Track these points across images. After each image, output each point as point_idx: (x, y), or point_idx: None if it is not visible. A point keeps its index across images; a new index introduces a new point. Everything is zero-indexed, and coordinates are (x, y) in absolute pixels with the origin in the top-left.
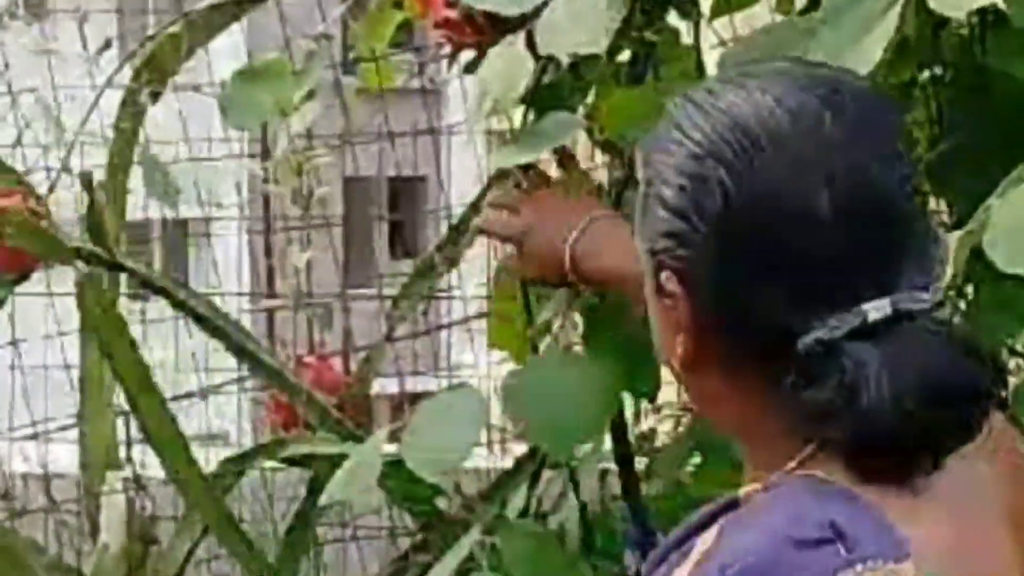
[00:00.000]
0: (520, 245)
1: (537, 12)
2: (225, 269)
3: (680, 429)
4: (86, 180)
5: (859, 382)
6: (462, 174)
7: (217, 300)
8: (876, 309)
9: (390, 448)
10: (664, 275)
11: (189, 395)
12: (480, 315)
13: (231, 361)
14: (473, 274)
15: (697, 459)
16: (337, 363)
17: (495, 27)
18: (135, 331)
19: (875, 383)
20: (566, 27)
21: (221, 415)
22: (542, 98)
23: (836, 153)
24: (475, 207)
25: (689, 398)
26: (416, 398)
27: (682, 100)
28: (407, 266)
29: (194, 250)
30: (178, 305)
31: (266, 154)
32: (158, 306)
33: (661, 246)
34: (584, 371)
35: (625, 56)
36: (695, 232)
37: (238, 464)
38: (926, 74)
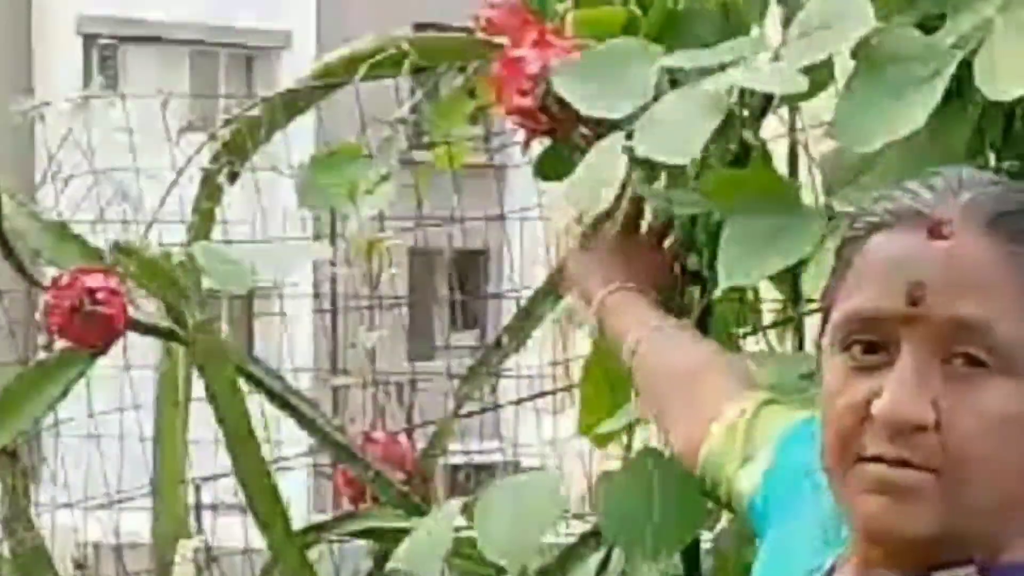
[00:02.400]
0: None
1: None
2: (291, 346)
3: None
4: (165, 259)
5: None
6: (526, 249)
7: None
8: None
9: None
10: None
11: None
12: (546, 392)
13: (299, 434)
14: (537, 350)
15: None
16: (404, 439)
17: (569, 119)
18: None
19: None
20: (663, 133)
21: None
22: None
23: None
24: (544, 291)
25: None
26: (479, 470)
27: None
28: (468, 337)
29: (260, 325)
30: (250, 379)
31: (334, 235)
32: None
33: None
34: (673, 477)
35: None
36: None
37: (309, 536)
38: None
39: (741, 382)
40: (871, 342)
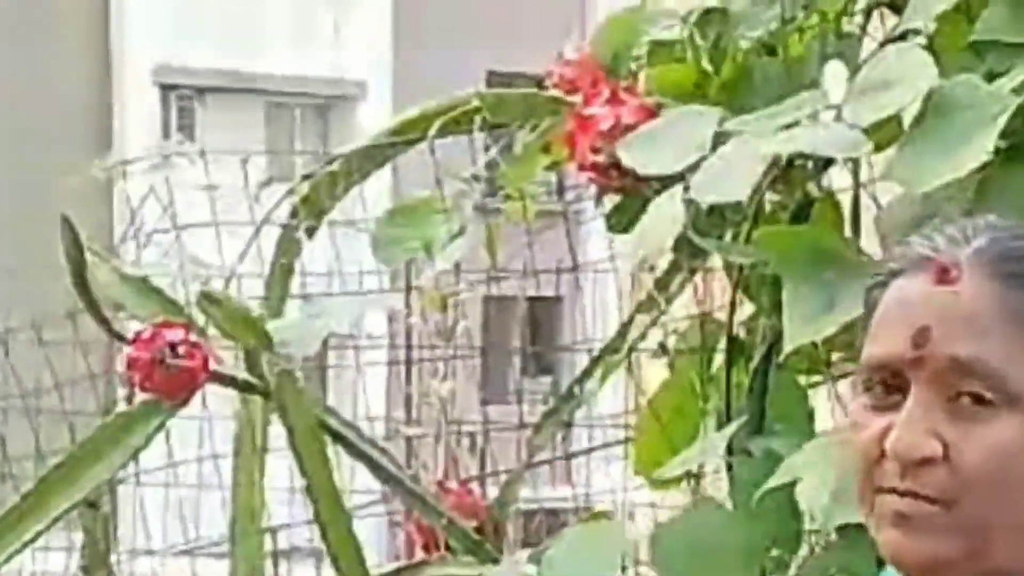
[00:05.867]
0: None
1: (693, 167)
2: (365, 396)
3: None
4: (243, 315)
5: None
6: (599, 299)
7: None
8: None
9: (527, 570)
10: None
11: None
12: (619, 442)
13: (371, 482)
14: (609, 398)
15: None
16: (477, 488)
17: (640, 175)
18: (286, 452)
19: None
20: (718, 179)
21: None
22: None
23: None
24: (617, 339)
25: None
26: (551, 515)
27: None
28: (543, 384)
29: (334, 375)
30: (326, 430)
31: (409, 288)
32: None
33: None
34: (733, 528)
35: None
36: None
37: None
38: None
39: None
40: (890, 384)
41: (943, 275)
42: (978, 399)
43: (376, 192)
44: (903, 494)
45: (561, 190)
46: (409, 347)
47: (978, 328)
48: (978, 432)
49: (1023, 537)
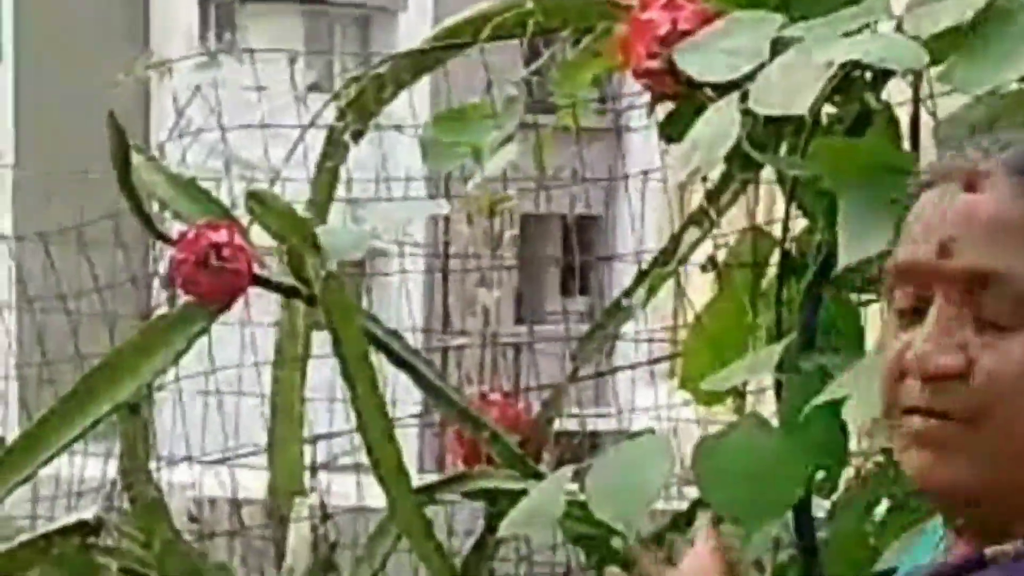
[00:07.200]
0: None
1: (750, 76)
2: (399, 305)
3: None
4: (291, 215)
5: None
6: (643, 216)
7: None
8: None
9: (569, 487)
10: None
11: None
12: (664, 358)
13: (408, 394)
14: (653, 315)
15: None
16: (520, 401)
17: (695, 82)
18: (327, 363)
19: None
20: (777, 89)
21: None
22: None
23: None
24: (666, 251)
25: None
26: (593, 435)
27: None
28: (579, 304)
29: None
30: (370, 338)
31: (449, 194)
32: None
33: None
34: (778, 445)
35: None
36: None
37: (424, 495)
38: None
39: None
40: (915, 307)
41: (970, 183)
42: (1002, 313)
43: (421, 98)
44: (926, 413)
45: (604, 100)
46: (447, 256)
47: (1002, 239)
48: (1003, 347)
49: None
